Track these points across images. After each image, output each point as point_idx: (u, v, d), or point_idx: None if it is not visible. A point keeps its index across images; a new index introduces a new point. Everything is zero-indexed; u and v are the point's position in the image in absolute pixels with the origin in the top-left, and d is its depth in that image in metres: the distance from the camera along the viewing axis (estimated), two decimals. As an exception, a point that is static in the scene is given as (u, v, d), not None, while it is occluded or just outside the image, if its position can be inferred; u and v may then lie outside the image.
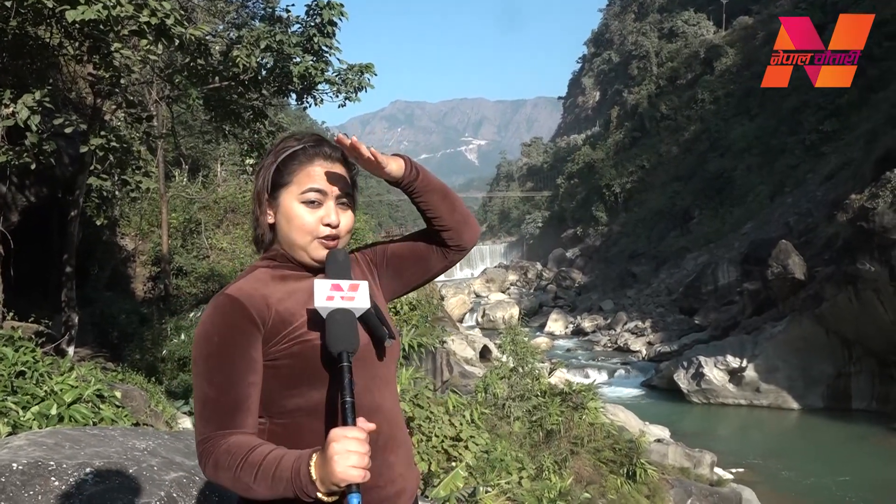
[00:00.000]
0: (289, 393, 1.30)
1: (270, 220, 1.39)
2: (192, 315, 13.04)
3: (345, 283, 1.30)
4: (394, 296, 1.58)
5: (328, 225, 1.35)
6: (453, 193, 1.52)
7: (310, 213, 1.34)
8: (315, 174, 1.35)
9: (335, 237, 1.36)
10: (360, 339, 1.27)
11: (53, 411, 4.22)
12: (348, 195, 1.39)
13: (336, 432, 1.11)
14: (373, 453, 1.13)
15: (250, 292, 1.30)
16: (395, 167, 1.39)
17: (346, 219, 1.38)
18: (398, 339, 1.46)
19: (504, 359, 12.22)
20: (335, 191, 1.36)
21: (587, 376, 25.03)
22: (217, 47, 8.62)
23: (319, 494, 1.12)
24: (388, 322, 1.41)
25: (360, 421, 1.15)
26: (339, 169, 1.39)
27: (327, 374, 1.30)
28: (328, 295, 1.27)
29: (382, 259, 1.55)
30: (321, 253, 1.35)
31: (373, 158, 1.34)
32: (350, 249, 1.51)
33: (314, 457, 1.13)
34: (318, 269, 1.38)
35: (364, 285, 1.32)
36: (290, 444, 1.22)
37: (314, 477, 1.11)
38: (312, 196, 1.34)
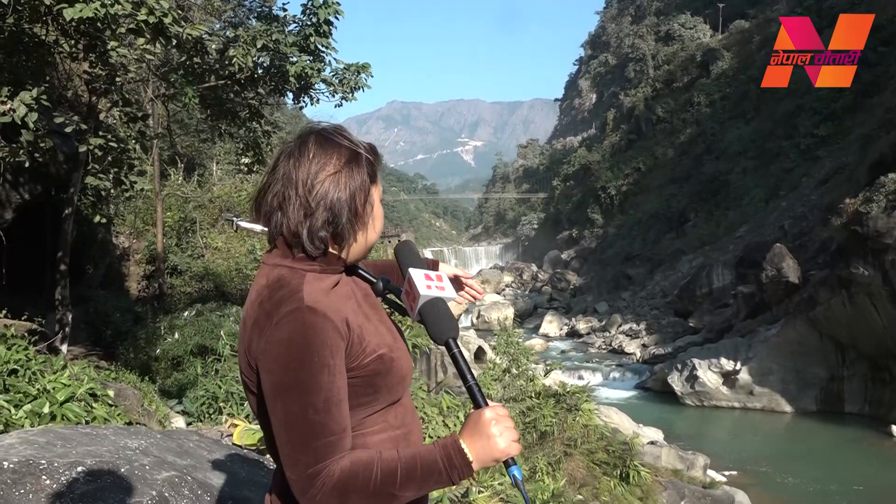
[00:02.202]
0: (359, 410, 1.24)
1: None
2: (186, 314, 13.00)
3: (432, 273, 1.32)
4: None
5: None
6: None
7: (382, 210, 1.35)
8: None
9: None
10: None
11: (46, 410, 4.20)
12: None
13: (490, 412, 1.16)
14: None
15: (327, 304, 1.19)
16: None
17: None
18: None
19: (498, 360, 12.23)
20: None
21: (581, 378, 25.08)
22: (213, 46, 8.61)
23: (474, 474, 1.16)
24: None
25: (490, 401, 1.20)
26: None
27: (399, 385, 1.30)
28: (427, 284, 1.28)
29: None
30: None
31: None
32: None
33: (462, 441, 1.16)
34: (349, 270, 1.34)
35: (446, 276, 1.35)
36: None
37: (471, 458, 1.15)
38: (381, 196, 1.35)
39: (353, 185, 1.23)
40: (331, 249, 1.26)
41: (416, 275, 1.28)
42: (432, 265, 1.54)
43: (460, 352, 1.23)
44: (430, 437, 6.03)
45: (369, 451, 1.20)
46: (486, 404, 1.18)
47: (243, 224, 1.40)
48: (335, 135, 1.27)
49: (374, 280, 1.39)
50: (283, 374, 1.15)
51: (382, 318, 1.35)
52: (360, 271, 1.39)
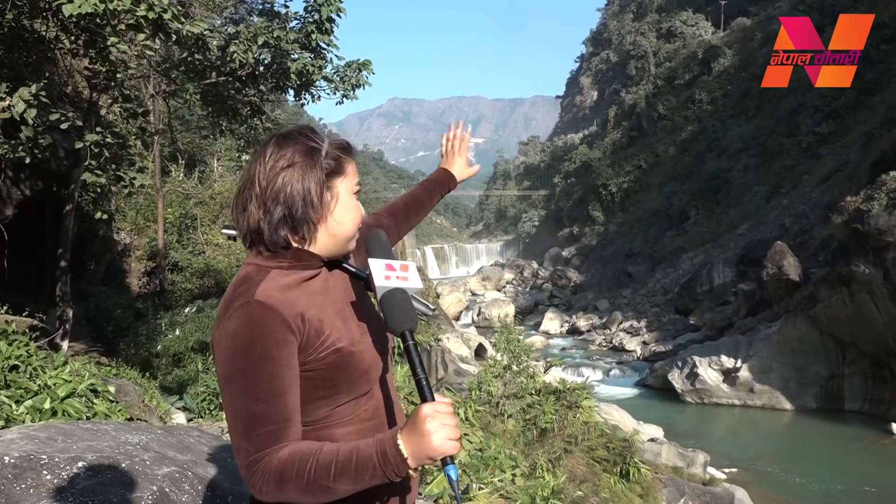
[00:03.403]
0: (322, 402, 1.28)
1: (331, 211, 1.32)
2: (187, 310, 13.02)
3: (396, 263, 1.30)
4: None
5: (363, 213, 1.39)
6: None
7: (358, 205, 1.35)
8: (356, 169, 1.35)
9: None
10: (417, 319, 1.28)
11: (47, 405, 4.21)
12: None
13: (428, 408, 1.13)
14: None
15: (280, 298, 1.23)
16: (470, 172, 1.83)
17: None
18: (392, 336, 1.47)
19: (499, 357, 12.23)
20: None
21: (582, 375, 25.07)
22: (215, 42, 8.60)
23: (410, 471, 1.13)
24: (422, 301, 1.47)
25: (438, 396, 1.17)
26: None
27: (362, 379, 1.31)
28: (385, 275, 1.27)
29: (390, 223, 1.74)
30: (354, 245, 1.37)
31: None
32: None
33: (399, 436, 1.14)
34: (331, 263, 1.37)
35: (413, 266, 1.33)
36: None
37: (406, 455, 1.12)
38: (359, 189, 1.36)
39: (308, 178, 1.26)
40: (296, 244, 1.29)
41: (375, 265, 1.27)
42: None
43: (415, 345, 1.21)
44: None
45: (311, 442, 1.20)
46: (431, 399, 1.16)
47: (229, 232, 1.43)
48: (295, 133, 1.31)
49: (363, 275, 1.39)
50: (229, 364, 1.19)
51: (361, 313, 1.36)
52: (344, 265, 1.40)
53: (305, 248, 1.30)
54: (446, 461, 1.13)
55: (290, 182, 1.25)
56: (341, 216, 1.31)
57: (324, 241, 1.31)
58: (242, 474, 1.19)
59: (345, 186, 1.31)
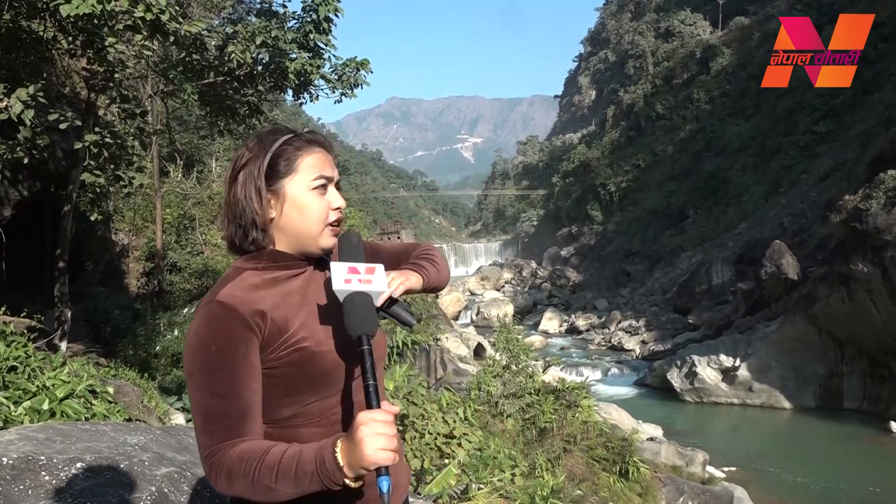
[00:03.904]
0: (286, 401, 1.28)
1: (273, 214, 1.33)
2: (185, 311, 13.01)
3: (361, 266, 1.28)
4: None
5: (337, 209, 1.34)
6: (442, 260, 1.58)
7: (319, 200, 1.32)
8: (319, 161, 1.33)
9: (341, 220, 1.36)
10: (378, 324, 1.26)
11: (45, 406, 4.20)
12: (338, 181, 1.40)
13: (363, 415, 1.09)
14: None
15: (243, 298, 1.25)
16: (416, 284, 1.45)
17: (343, 202, 1.38)
18: (384, 339, 1.46)
19: (497, 357, 12.24)
20: (335, 176, 1.36)
21: (581, 374, 25.08)
22: (213, 42, 8.59)
23: (347, 481, 1.10)
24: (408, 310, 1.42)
25: (384, 404, 1.15)
26: (330, 154, 1.38)
27: (327, 381, 1.29)
28: (346, 278, 1.25)
29: (375, 259, 1.51)
30: (331, 241, 1.34)
31: (407, 290, 1.40)
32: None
33: (339, 443, 1.11)
34: (317, 262, 1.37)
35: (380, 268, 1.30)
36: None
37: (342, 463, 1.10)
38: (322, 183, 1.33)
39: (249, 187, 1.30)
40: (269, 246, 1.33)
41: (337, 269, 1.26)
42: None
43: (370, 350, 1.19)
44: (430, 434, 6.03)
45: (264, 442, 1.20)
46: (376, 407, 1.13)
47: None
48: (246, 145, 1.35)
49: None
50: (190, 361, 1.22)
51: (335, 314, 1.33)
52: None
53: (277, 249, 1.34)
54: (381, 471, 1.08)
55: (238, 195, 1.30)
56: (294, 215, 1.31)
57: (286, 242, 1.34)
58: (203, 468, 1.21)
59: (295, 185, 1.31)
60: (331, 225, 1.34)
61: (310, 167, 1.32)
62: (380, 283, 1.28)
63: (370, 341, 1.21)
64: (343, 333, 1.29)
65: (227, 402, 1.20)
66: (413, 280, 1.43)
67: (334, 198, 1.34)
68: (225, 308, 1.23)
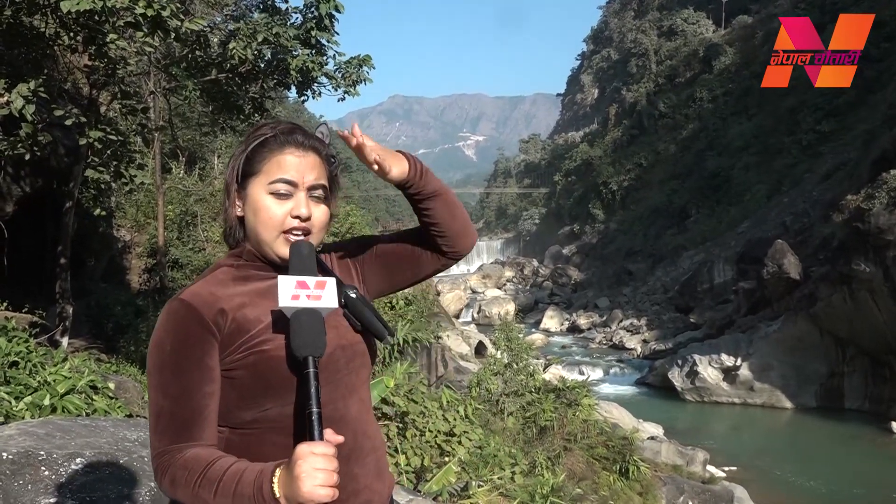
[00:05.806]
0: (246, 405, 1.22)
1: (239, 212, 1.29)
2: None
3: (311, 280, 1.19)
4: (379, 295, 1.48)
5: (297, 217, 1.24)
6: (455, 198, 1.41)
7: (278, 205, 1.23)
8: (286, 163, 1.24)
9: (306, 231, 1.26)
10: (326, 344, 1.18)
11: (46, 402, 4.21)
12: (323, 188, 1.28)
13: (302, 449, 1.03)
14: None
15: (205, 297, 1.21)
16: (398, 172, 1.28)
17: (318, 213, 1.27)
18: (364, 343, 1.36)
19: (499, 355, 12.24)
20: (307, 182, 1.25)
21: (582, 373, 25.07)
22: (215, 39, 8.59)
23: None
24: (383, 320, 1.33)
25: (328, 433, 1.09)
26: (312, 159, 1.27)
27: (287, 387, 1.21)
28: (293, 294, 1.17)
29: (370, 256, 1.44)
30: (286, 250, 1.24)
31: (377, 160, 1.24)
32: (323, 247, 1.43)
33: (277, 472, 1.05)
34: (286, 269, 1.26)
35: (331, 282, 1.22)
36: (250, 455, 1.16)
37: (278, 495, 1.04)
38: (282, 187, 1.23)
39: (231, 185, 1.30)
40: (244, 242, 1.31)
41: (284, 283, 1.17)
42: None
43: (316, 374, 1.13)
44: (430, 432, 6.03)
45: (212, 452, 1.16)
46: (318, 439, 1.07)
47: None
48: (249, 132, 1.33)
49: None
50: (149, 360, 1.21)
51: None
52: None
53: (248, 248, 1.31)
54: None
55: (225, 178, 1.32)
56: (250, 217, 1.26)
57: (253, 244, 1.29)
58: (152, 468, 1.19)
59: (255, 186, 1.25)
60: (287, 233, 1.24)
61: (274, 169, 1.24)
62: (329, 298, 1.20)
63: (317, 364, 1.14)
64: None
65: (178, 405, 1.17)
66: (389, 163, 1.26)
67: (297, 205, 1.24)
68: (185, 307, 1.20)
